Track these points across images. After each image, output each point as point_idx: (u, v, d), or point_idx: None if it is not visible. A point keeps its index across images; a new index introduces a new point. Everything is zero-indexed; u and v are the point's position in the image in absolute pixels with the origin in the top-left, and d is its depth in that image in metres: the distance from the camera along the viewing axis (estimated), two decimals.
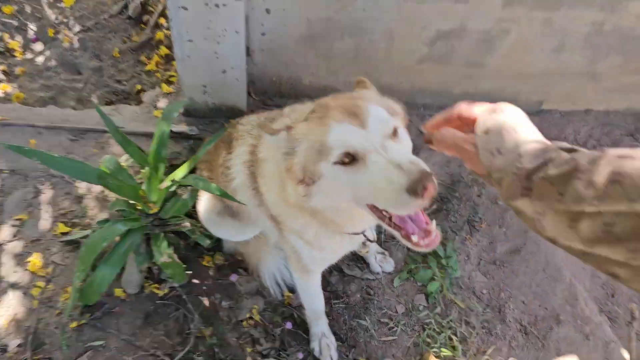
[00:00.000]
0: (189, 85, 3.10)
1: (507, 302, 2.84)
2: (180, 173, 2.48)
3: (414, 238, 1.46)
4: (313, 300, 2.52)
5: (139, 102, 3.45)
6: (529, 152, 1.04)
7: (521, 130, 1.12)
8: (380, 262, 2.86)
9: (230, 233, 2.67)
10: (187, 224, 2.60)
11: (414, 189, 1.28)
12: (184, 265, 2.69)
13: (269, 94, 3.44)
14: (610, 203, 0.83)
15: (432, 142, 1.34)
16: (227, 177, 2.25)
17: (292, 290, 2.80)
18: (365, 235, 2.02)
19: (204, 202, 2.63)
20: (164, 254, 2.41)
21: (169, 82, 3.53)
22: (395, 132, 1.53)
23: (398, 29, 3.06)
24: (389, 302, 2.82)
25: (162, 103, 3.38)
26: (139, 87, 3.59)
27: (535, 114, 3.67)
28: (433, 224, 1.49)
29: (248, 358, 2.56)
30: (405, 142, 1.59)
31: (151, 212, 2.50)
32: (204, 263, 2.84)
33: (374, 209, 1.51)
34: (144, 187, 2.49)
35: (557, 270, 2.96)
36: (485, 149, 1.13)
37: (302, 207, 1.74)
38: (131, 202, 2.50)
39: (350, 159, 1.45)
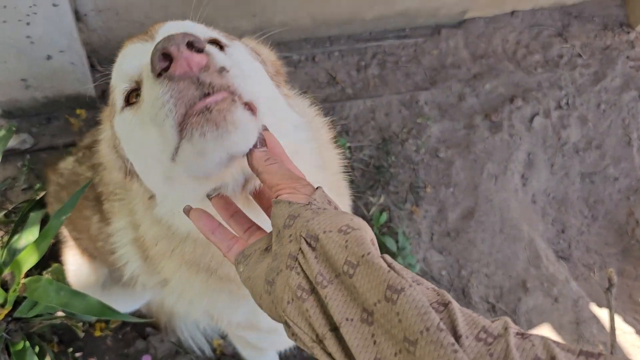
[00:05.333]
0: None
1: (470, 280, 2.47)
2: (29, 260, 1.63)
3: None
4: None
5: None
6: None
7: None
8: None
9: (123, 305, 1.93)
10: (59, 314, 1.81)
11: (154, 64, 0.72)
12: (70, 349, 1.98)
13: None
14: None
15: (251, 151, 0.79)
16: (114, 256, 1.48)
17: (222, 335, 2.20)
18: None
19: (79, 273, 1.84)
20: None
21: None
22: (218, 46, 0.90)
23: None
24: None
25: None
26: None
27: (457, 25, 3.05)
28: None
29: None
30: (239, 60, 0.90)
31: (1, 317, 1.67)
32: (97, 334, 2.10)
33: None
34: None
35: (514, 226, 2.61)
36: (325, 195, 0.76)
37: (176, 257, 1.10)
38: None
39: (136, 94, 0.90)
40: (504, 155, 2.76)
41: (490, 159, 2.73)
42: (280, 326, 1.04)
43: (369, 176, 2.56)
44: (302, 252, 0.67)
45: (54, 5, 1.78)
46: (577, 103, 3.02)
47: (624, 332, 2.46)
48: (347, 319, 0.62)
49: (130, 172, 1.01)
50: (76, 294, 1.46)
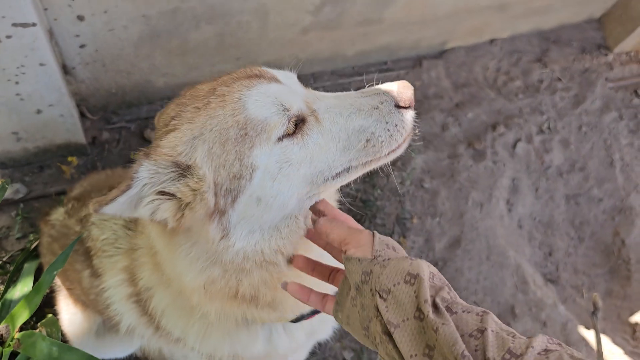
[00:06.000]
0: None
1: None
2: (22, 315, 1.67)
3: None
4: None
5: None
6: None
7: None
8: None
9: (117, 351, 1.98)
10: None
11: (405, 94, 1.09)
12: None
13: (111, 108, 2.53)
14: None
15: (316, 221, 1.06)
16: (107, 310, 1.54)
17: None
18: None
19: (73, 321, 1.89)
20: None
21: None
22: None
23: (273, 3, 2.24)
24: (333, 350, 2.36)
25: None
26: None
27: (438, 56, 3.13)
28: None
29: None
30: None
31: None
32: None
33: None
34: None
35: (501, 253, 2.66)
36: (382, 240, 0.96)
37: (224, 294, 1.15)
38: None
39: (296, 125, 1.05)
40: (488, 183, 2.82)
41: (474, 187, 2.79)
42: (291, 350, 1.38)
43: (356, 210, 2.62)
44: (377, 305, 0.85)
45: (41, 64, 1.85)
46: (558, 127, 3.09)
47: (612, 353, 2.50)
48: (411, 356, 0.78)
49: (216, 210, 1.03)
50: (68, 349, 1.50)
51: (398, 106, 1.08)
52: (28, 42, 1.74)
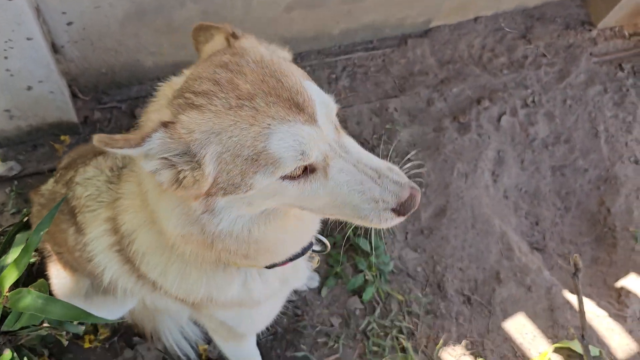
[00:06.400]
0: None
1: (445, 275, 2.57)
2: (11, 275, 1.75)
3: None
4: None
5: None
6: None
7: None
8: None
9: (106, 314, 2.04)
10: (45, 325, 1.92)
11: (405, 209, 1.14)
12: None
13: (102, 88, 2.61)
14: None
15: None
16: (92, 265, 1.61)
17: (207, 340, 2.30)
18: (319, 239, 1.58)
19: (62, 285, 1.95)
20: None
21: None
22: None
23: None
24: (321, 317, 2.42)
25: None
26: None
27: (423, 34, 3.19)
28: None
29: None
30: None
31: None
32: (86, 345, 2.21)
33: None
34: None
35: (486, 221, 2.71)
36: None
37: (199, 244, 1.22)
38: None
39: (305, 171, 1.10)
40: (473, 155, 2.87)
41: (460, 159, 2.84)
42: (265, 296, 1.45)
43: None
44: None
45: (28, 39, 1.92)
46: (543, 100, 3.13)
47: (597, 316, 2.54)
48: None
49: (206, 194, 1.10)
50: (53, 300, 1.58)
51: (394, 209, 1.13)
52: (14, 16, 1.82)
